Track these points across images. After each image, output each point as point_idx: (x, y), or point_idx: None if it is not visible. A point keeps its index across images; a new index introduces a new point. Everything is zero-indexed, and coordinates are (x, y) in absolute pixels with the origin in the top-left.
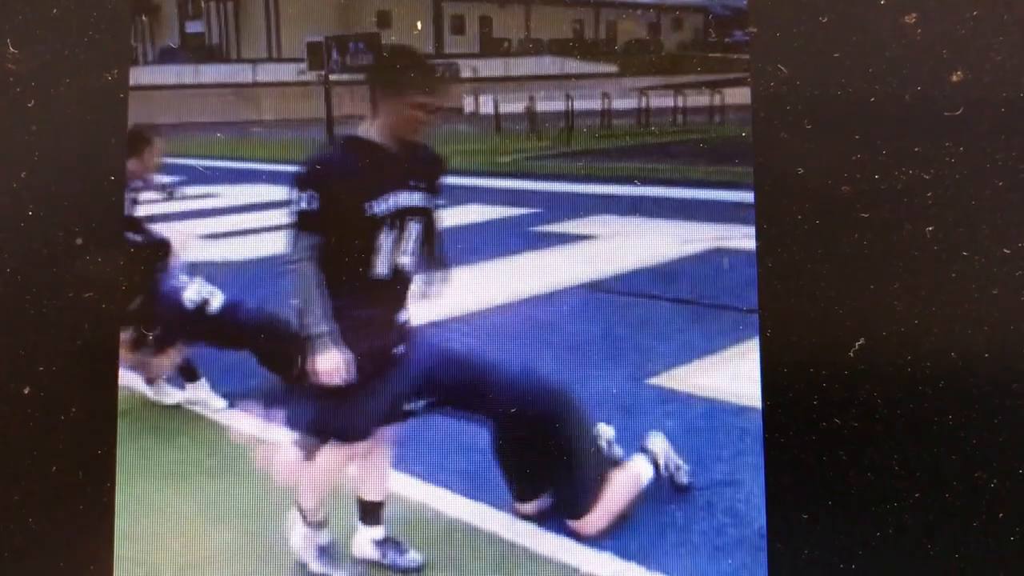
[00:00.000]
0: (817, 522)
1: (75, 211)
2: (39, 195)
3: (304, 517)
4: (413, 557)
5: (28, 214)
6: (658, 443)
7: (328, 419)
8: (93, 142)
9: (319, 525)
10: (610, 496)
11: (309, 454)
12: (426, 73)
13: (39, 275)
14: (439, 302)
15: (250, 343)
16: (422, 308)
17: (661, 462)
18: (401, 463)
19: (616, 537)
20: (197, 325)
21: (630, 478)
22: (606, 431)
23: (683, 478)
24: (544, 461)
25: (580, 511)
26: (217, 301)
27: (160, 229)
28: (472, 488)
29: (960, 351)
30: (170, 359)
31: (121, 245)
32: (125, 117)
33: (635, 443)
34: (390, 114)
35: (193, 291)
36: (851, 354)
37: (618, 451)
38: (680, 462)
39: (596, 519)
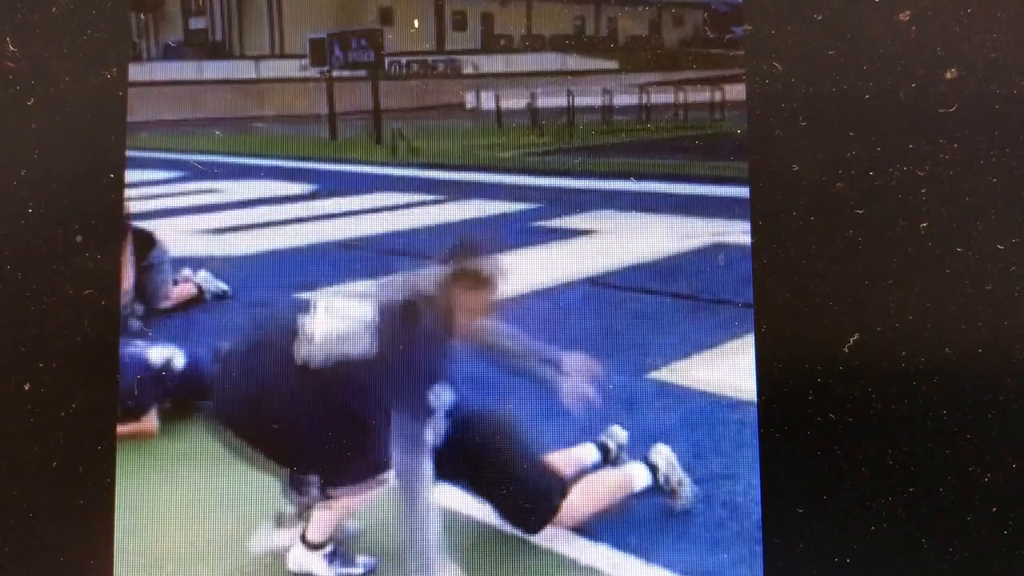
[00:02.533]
0: (812, 516)
1: (74, 208)
2: (38, 192)
3: (307, 544)
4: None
5: (28, 211)
6: (662, 455)
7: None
8: (92, 140)
9: (321, 546)
10: (586, 497)
11: (326, 497)
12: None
13: (39, 272)
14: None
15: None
16: None
17: (661, 474)
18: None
19: (614, 530)
20: (170, 382)
21: (620, 479)
22: (619, 434)
23: (685, 495)
24: (486, 481)
25: (530, 527)
26: (180, 360)
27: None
28: None
29: (954, 346)
30: (151, 421)
31: (120, 242)
32: (124, 114)
33: (635, 437)
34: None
35: (155, 353)
36: (846, 349)
37: (624, 457)
38: (684, 478)
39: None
